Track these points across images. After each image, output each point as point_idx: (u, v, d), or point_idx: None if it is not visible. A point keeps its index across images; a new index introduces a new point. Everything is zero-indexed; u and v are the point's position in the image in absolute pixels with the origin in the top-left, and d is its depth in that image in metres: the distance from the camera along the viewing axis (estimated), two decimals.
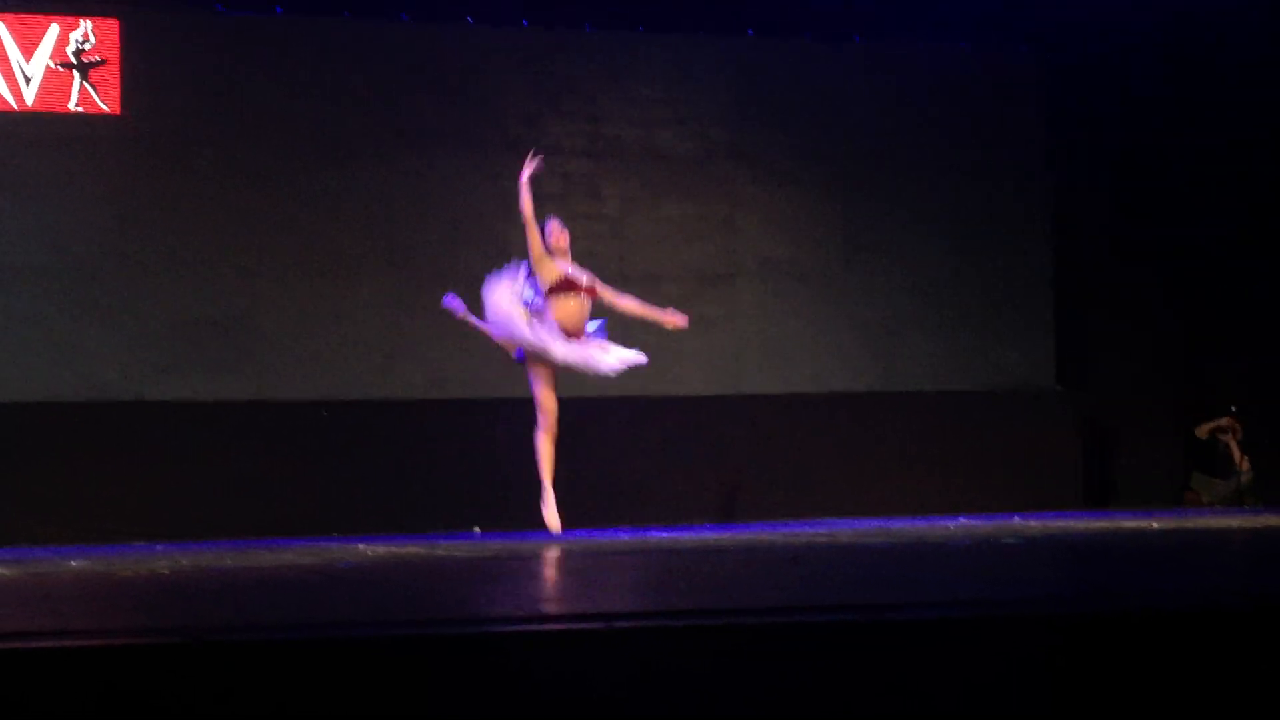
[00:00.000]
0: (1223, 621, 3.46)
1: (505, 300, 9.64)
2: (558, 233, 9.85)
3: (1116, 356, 13.33)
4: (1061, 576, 5.22)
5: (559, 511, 9.71)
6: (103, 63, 11.47)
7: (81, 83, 11.44)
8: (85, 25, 11.45)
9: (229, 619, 4.16)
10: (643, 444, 12.17)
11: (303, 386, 11.77)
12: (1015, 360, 13.21)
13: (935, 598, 4.19)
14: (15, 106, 11.32)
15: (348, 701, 3.14)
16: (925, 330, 13.04)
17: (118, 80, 11.50)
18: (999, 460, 12.80)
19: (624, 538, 9.71)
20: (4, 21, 11.30)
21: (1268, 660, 3.33)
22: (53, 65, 11.39)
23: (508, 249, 11.68)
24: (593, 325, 9.90)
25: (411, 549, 8.72)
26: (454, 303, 10.02)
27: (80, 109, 11.44)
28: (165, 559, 8.02)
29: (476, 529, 11.08)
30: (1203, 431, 13.17)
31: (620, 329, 10.38)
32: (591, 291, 9.76)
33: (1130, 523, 9.71)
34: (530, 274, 9.78)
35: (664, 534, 9.96)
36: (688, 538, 9.28)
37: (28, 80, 11.35)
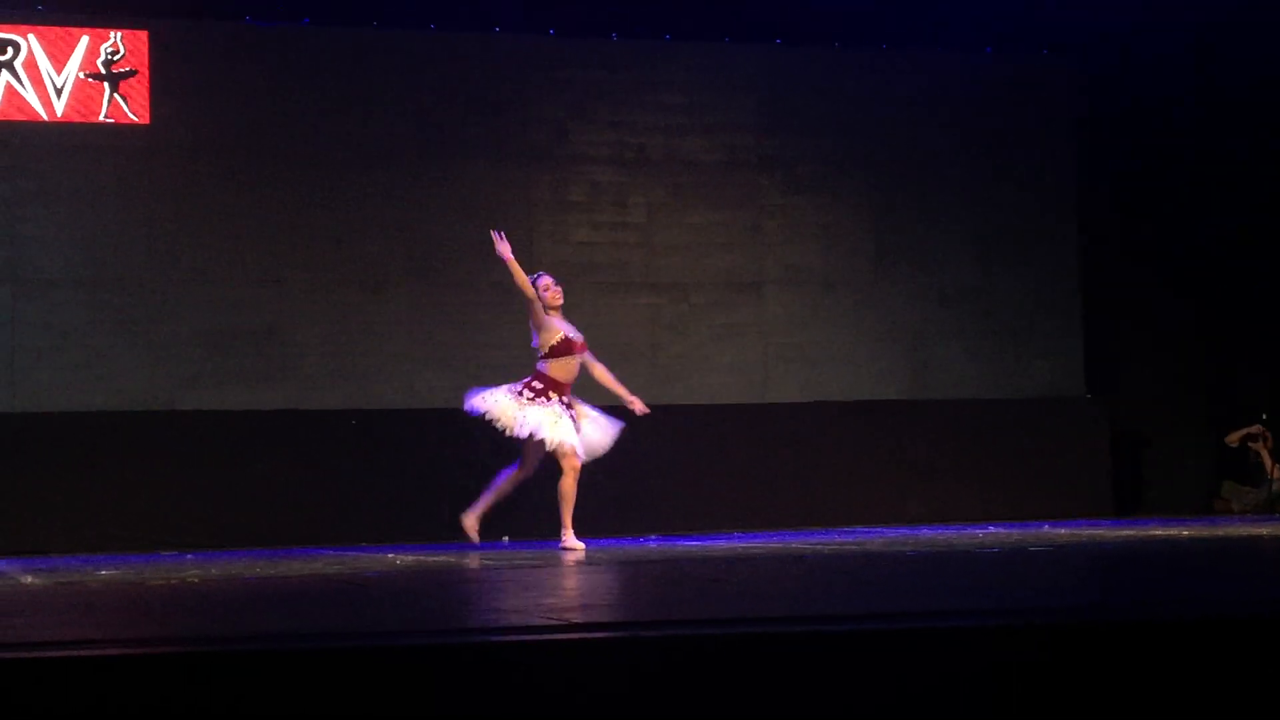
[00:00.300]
0: (1254, 630, 3.45)
1: (492, 403, 9.62)
2: (553, 290, 9.73)
3: (1146, 364, 13.30)
4: (1090, 584, 5.20)
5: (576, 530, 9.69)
6: (132, 73, 11.53)
7: (111, 93, 11.50)
8: (115, 37, 11.51)
9: (258, 628, 4.18)
10: (671, 453, 12.17)
11: (332, 396, 11.81)
12: (1044, 368, 13.19)
13: (962, 606, 4.18)
14: (46, 117, 11.39)
15: (378, 712, 3.15)
16: (954, 338, 13.03)
17: (147, 91, 11.56)
18: (1028, 468, 12.78)
19: (653, 545, 9.71)
20: (35, 33, 11.37)
21: None
22: (83, 76, 11.45)
23: (534, 258, 11.72)
24: None
25: (440, 558, 8.73)
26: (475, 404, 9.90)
27: (110, 119, 11.51)
28: (195, 568, 8.05)
29: (505, 538, 11.09)
30: (1233, 439, 13.12)
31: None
32: (583, 348, 9.75)
33: (1160, 531, 9.67)
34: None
35: (693, 543, 9.95)
36: (717, 546, 9.27)
37: (59, 91, 11.41)
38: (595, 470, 11.92)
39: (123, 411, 11.42)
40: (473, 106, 12.30)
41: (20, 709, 3.07)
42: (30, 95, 11.38)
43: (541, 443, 9.56)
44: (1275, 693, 3.31)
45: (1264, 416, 13.02)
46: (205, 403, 11.60)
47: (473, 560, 8.36)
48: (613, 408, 9.97)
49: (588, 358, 9.79)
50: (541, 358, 9.68)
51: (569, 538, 9.56)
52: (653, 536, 10.94)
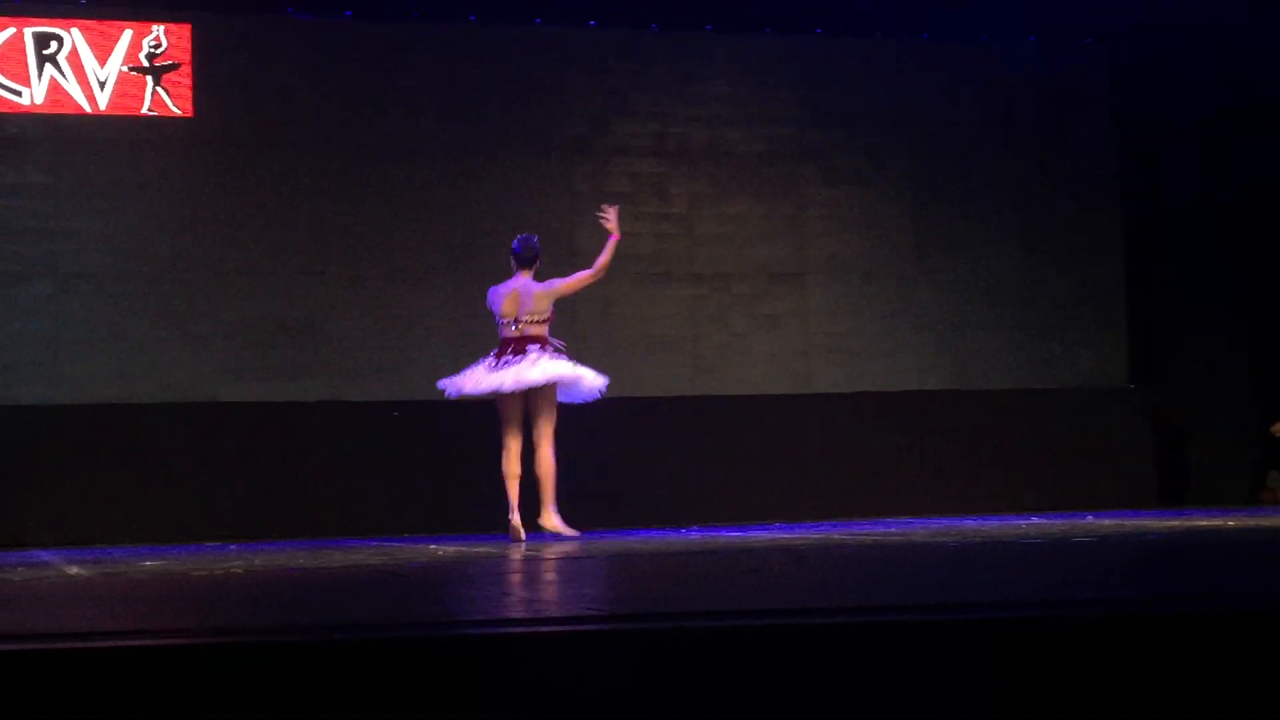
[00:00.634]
0: None
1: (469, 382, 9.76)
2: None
3: (1190, 354, 13.22)
4: (1134, 576, 5.17)
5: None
6: (175, 67, 11.58)
7: (154, 87, 11.55)
8: (158, 30, 11.56)
9: (301, 619, 4.19)
10: (711, 443, 12.17)
11: (373, 387, 11.84)
12: (1087, 358, 13.13)
13: (1004, 598, 4.16)
14: (89, 110, 11.44)
15: (420, 703, 3.15)
16: (996, 328, 12.98)
17: (190, 84, 11.60)
18: (1072, 459, 12.72)
19: (695, 536, 9.70)
20: (79, 27, 11.42)
21: None
22: (126, 70, 11.50)
23: (575, 250, 11.73)
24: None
25: (482, 549, 8.75)
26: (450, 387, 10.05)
27: (153, 112, 11.56)
28: (238, 559, 8.08)
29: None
30: (1279, 429, 13.03)
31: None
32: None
33: (1205, 522, 9.61)
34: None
35: (735, 534, 9.94)
36: (759, 537, 9.26)
37: (102, 85, 11.47)
38: (637, 461, 11.94)
39: (165, 403, 11.47)
40: (513, 98, 12.30)
41: (65, 699, 3.08)
42: (74, 89, 11.43)
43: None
44: None
45: None
46: (247, 395, 11.65)
47: (514, 551, 8.37)
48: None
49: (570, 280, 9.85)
50: (546, 320, 9.75)
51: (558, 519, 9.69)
52: (694, 528, 10.93)
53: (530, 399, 9.77)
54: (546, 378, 9.68)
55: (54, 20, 11.42)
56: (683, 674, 3.19)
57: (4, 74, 11.32)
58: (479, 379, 9.74)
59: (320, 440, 11.57)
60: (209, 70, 11.68)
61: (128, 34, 11.52)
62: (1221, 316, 13.23)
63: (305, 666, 3.18)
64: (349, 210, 11.96)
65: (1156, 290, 13.26)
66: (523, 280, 9.83)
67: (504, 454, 9.81)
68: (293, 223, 11.85)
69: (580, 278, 9.92)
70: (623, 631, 3.50)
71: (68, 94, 11.43)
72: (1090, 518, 10.80)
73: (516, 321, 9.80)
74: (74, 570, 7.31)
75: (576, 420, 11.67)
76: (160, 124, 11.61)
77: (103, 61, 11.48)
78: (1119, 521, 9.98)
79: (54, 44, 11.41)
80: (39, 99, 11.38)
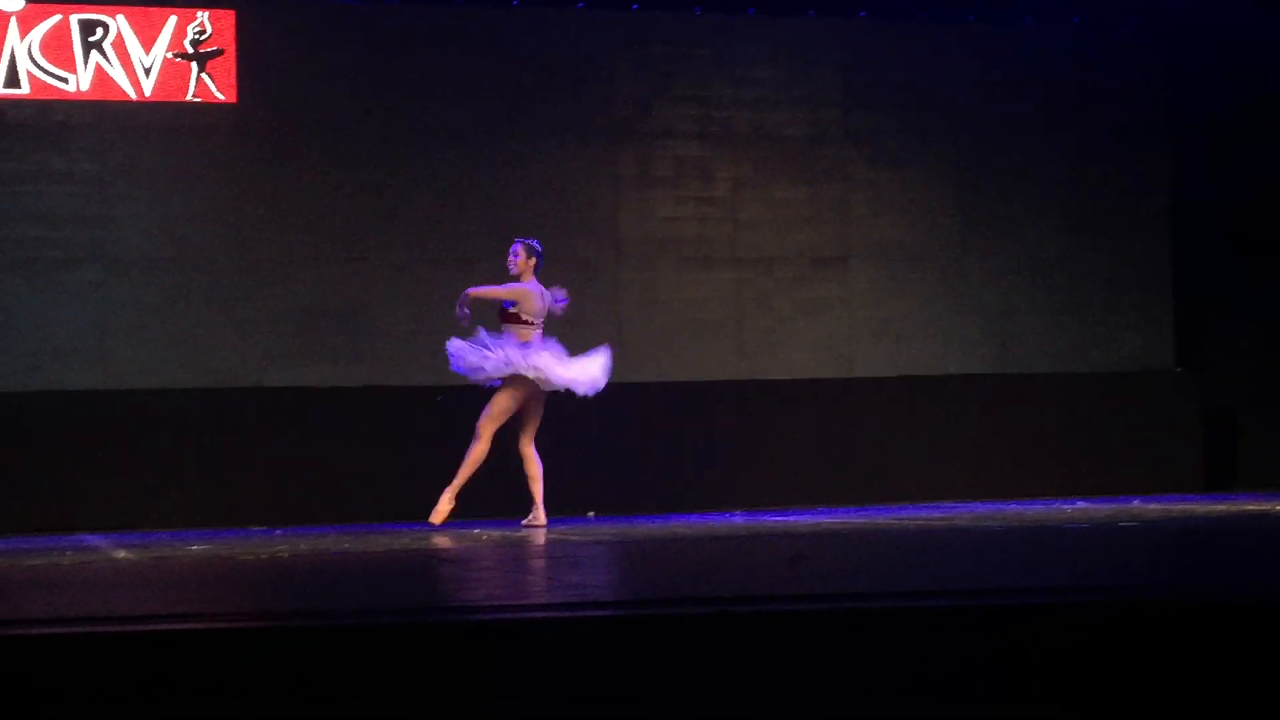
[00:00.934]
0: None
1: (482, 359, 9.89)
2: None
3: (1236, 337, 13.12)
4: (1179, 562, 5.14)
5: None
6: (219, 53, 11.62)
7: (198, 73, 11.59)
8: (202, 16, 11.59)
9: (346, 603, 4.20)
10: (754, 428, 12.14)
11: (418, 372, 11.85)
12: (1134, 342, 13.05)
13: (1050, 582, 4.14)
14: (134, 97, 11.49)
15: (462, 684, 3.16)
16: (1042, 312, 12.92)
17: (234, 70, 11.64)
18: (1117, 442, 12.65)
19: (738, 521, 9.70)
20: (124, 14, 11.47)
21: None
22: (170, 56, 11.55)
23: (619, 234, 11.73)
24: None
25: (524, 534, 8.76)
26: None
27: (197, 99, 11.60)
28: (284, 543, 8.12)
29: (591, 513, 11.11)
30: None
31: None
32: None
33: (1252, 506, 9.56)
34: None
35: (778, 518, 9.94)
36: (802, 522, 9.25)
37: (146, 72, 11.52)
38: (680, 446, 11.94)
39: (211, 388, 11.52)
40: (557, 82, 12.30)
41: (114, 679, 3.10)
42: (119, 75, 11.48)
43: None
44: None
45: None
46: (292, 380, 11.68)
47: (555, 536, 8.38)
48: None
49: None
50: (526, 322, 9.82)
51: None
52: (738, 512, 10.93)
53: (538, 399, 9.87)
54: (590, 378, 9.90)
55: (99, 7, 11.47)
56: (712, 660, 3.19)
57: (50, 61, 11.38)
58: (552, 368, 9.77)
59: (365, 425, 11.60)
60: (253, 56, 11.71)
61: (172, 20, 11.56)
62: (1269, 298, 13.12)
63: (350, 649, 3.19)
64: (393, 195, 11.98)
65: (1203, 272, 13.15)
66: (537, 282, 9.99)
67: (489, 445, 9.83)
68: (337, 208, 11.88)
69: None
70: (672, 616, 3.50)
71: (113, 81, 11.48)
72: (1136, 502, 10.75)
73: (540, 321, 9.93)
74: (122, 554, 7.36)
75: (619, 406, 11.70)
76: (205, 110, 11.65)
77: (148, 48, 11.53)
78: (1165, 506, 9.93)
79: (99, 31, 11.46)
80: (85, 86, 11.44)
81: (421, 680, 3.14)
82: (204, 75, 11.60)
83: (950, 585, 4.12)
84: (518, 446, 9.98)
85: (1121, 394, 12.84)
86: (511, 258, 10.09)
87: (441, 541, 8.26)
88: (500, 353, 9.73)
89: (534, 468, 9.91)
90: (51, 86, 11.39)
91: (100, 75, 11.45)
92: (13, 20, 11.29)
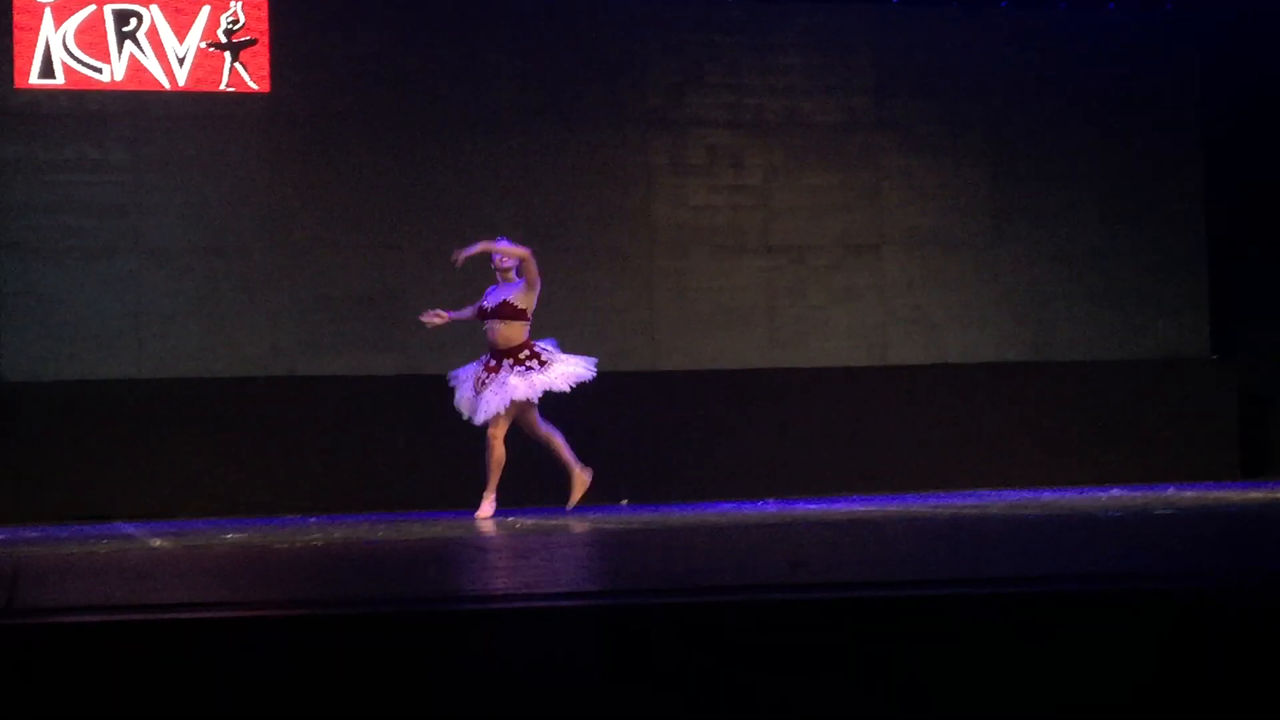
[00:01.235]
0: None
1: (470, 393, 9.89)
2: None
3: (1272, 324, 13.06)
4: (1214, 549, 5.12)
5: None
6: (252, 42, 11.65)
7: (232, 63, 11.63)
8: (235, 6, 11.62)
9: (380, 591, 4.21)
10: (788, 416, 12.13)
11: (452, 361, 11.87)
12: (1169, 329, 13.00)
13: (1085, 570, 4.13)
14: (168, 86, 11.53)
15: (497, 673, 3.16)
16: (1076, 300, 12.88)
17: (267, 59, 11.67)
18: (1153, 430, 12.61)
19: (771, 509, 9.69)
20: (157, 4, 11.51)
21: None
22: (204, 46, 11.58)
23: (652, 222, 11.72)
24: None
25: (557, 521, 8.77)
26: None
27: (231, 88, 11.63)
28: (319, 531, 8.14)
29: (625, 500, 11.12)
30: None
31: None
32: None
33: None
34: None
35: (811, 506, 9.93)
36: (836, 510, 9.23)
37: (180, 61, 11.55)
38: (713, 434, 11.93)
39: (245, 377, 11.56)
40: (589, 70, 12.30)
41: (149, 668, 3.12)
42: (153, 65, 11.52)
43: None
44: None
45: None
46: (325, 368, 11.72)
47: (589, 524, 8.39)
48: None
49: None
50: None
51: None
52: (770, 500, 10.92)
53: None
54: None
55: None
56: (758, 644, 3.19)
57: (85, 51, 11.43)
58: (536, 387, 9.85)
59: (399, 413, 11.63)
60: (286, 45, 11.74)
61: (205, 10, 11.59)
62: None
63: (386, 638, 3.20)
64: (425, 184, 12.00)
65: (1239, 259, 13.09)
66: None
67: (504, 445, 9.83)
68: (370, 197, 11.91)
69: None
70: (698, 605, 3.51)
71: (147, 71, 11.52)
72: (1172, 490, 10.70)
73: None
74: (157, 543, 7.39)
75: (652, 394, 11.71)
76: (238, 100, 11.69)
77: (181, 38, 11.56)
78: (1200, 494, 9.88)
79: (133, 21, 11.50)
80: (119, 76, 11.48)
81: (461, 665, 3.15)
82: (237, 65, 11.64)
83: (990, 573, 4.11)
84: (532, 436, 9.98)
85: (1156, 382, 12.79)
86: (503, 260, 10.03)
87: (482, 527, 8.28)
88: (496, 397, 9.79)
89: (555, 439, 9.94)
90: (86, 77, 11.43)
91: (134, 65, 11.49)
92: (47, 11, 11.34)
